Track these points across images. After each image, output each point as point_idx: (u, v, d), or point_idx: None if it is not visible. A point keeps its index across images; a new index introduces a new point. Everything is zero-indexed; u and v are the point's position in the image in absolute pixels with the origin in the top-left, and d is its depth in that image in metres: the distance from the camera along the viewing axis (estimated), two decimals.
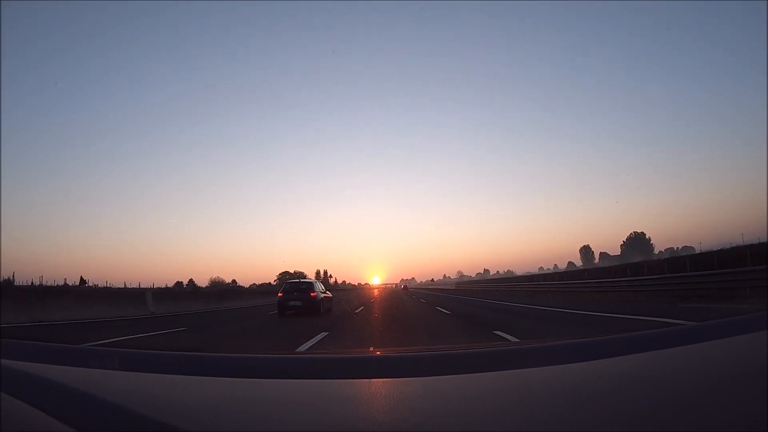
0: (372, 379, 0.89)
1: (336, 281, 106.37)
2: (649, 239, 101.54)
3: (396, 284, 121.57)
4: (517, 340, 5.16)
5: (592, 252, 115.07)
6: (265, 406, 0.68)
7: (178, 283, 59.55)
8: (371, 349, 3.86)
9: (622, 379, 0.76)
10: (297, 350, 5.34)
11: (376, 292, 45.65)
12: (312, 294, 11.68)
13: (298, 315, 10.95)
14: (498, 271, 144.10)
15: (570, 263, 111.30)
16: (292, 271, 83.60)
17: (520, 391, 0.72)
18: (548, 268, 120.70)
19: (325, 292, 13.16)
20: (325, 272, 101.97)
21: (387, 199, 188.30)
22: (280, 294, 12.23)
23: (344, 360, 1.22)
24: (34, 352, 1.10)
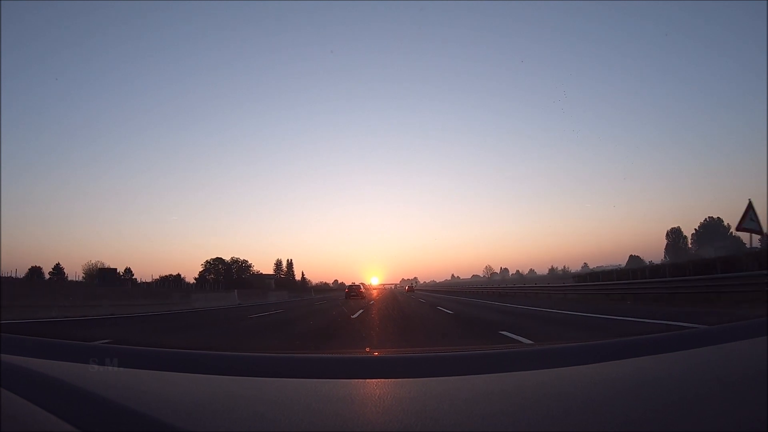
0: (366, 380, 0.90)
1: (304, 277, 79.29)
2: (728, 227, 69.47)
3: (396, 285, 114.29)
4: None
5: (685, 237, 73.34)
6: (261, 405, 0.69)
7: (35, 269, 37.03)
8: (367, 349, 3.88)
9: (622, 383, 0.77)
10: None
11: (375, 293, 39.82)
12: (360, 290, 28.53)
13: (354, 299, 22.62)
14: (518, 270, 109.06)
15: (633, 257, 72.28)
16: (228, 260, 62.27)
17: (515, 393, 0.73)
18: (561, 269, 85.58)
19: (366, 289, 32.06)
20: (289, 262, 76.70)
21: (388, 198, 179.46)
22: (346, 290, 28.63)
23: (339, 360, 1.23)
24: (35, 348, 1.11)
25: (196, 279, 53.00)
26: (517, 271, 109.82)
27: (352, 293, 26.26)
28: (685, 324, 6.03)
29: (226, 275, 57.57)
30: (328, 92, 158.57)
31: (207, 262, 61.37)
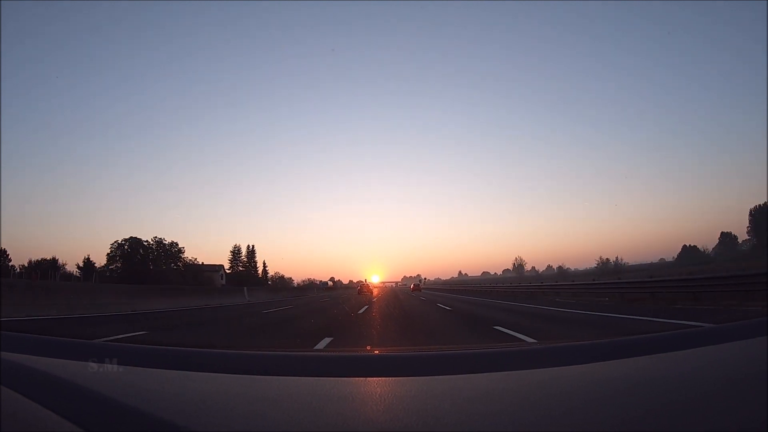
0: (368, 378, 0.90)
1: (266, 268, 61.28)
2: None
3: (397, 283, 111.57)
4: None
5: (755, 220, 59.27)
6: (262, 403, 0.69)
7: None
8: (368, 348, 3.88)
9: (622, 382, 0.77)
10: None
11: (376, 291, 37.80)
12: (367, 288, 39.59)
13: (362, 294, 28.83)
14: (534, 267, 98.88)
15: (688, 248, 64.70)
16: (168, 242, 43.16)
17: (516, 392, 0.73)
18: (614, 261, 64.84)
19: (373, 285, 53.94)
20: (250, 248, 58.39)
21: (389, 195, 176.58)
22: (357, 288, 40.92)
23: (340, 358, 1.23)
24: (36, 346, 1.11)
25: (78, 267, 37.52)
26: (533, 267, 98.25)
27: (363, 290, 35.23)
28: (685, 323, 6.00)
29: (128, 263, 38.84)
30: (329, 90, 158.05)
31: (116, 243, 40.07)
